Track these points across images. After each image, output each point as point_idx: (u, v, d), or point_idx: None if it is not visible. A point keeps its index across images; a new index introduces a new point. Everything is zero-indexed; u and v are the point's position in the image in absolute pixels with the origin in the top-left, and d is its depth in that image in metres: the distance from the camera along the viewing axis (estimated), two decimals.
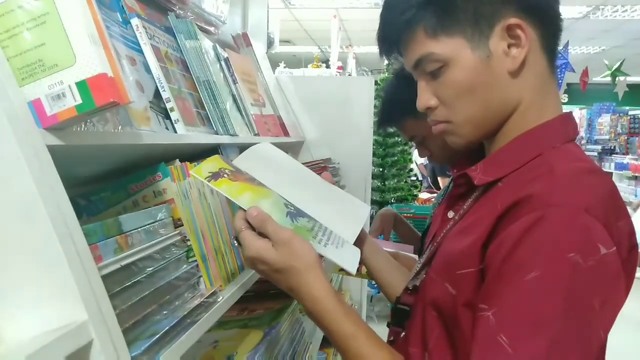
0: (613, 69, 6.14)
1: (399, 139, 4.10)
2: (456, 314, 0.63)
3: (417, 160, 5.05)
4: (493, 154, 0.70)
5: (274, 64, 1.96)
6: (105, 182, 0.83)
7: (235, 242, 0.72)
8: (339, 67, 5.16)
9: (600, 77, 6.44)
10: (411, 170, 4.34)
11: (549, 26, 0.68)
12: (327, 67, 5.32)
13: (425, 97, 0.70)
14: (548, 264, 0.55)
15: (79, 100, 0.51)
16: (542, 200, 0.58)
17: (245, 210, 0.70)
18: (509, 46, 0.65)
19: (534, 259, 0.56)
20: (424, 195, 3.97)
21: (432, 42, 0.66)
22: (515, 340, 0.54)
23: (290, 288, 0.69)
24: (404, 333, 0.75)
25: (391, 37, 0.72)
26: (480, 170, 0.69)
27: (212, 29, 1.35)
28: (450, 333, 0.65)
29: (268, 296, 1.38)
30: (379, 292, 3.46)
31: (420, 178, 5.25)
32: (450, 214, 0.74)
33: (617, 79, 6.25)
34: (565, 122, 0.69)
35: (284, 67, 4.72)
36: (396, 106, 1.28)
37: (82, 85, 0.51)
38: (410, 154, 4.21)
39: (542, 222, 0.56)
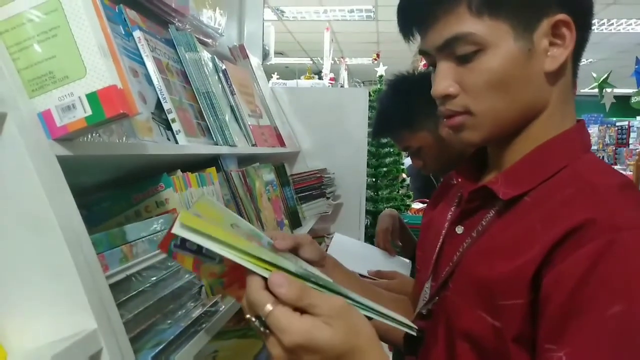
0: (600, 80, 6.22)
1: (392, 150, 4.12)
2: (505, 350, 0.56)
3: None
4: (514, 165, 0.64)
5: (267, 76, 1.98)
6: (104, 192, 0.83)
7: (258, 325, 0.50)
8: (331, 79, 5.19)
9: (588, 89, 6.52)
10: (404, 180, 4.36)
11: (585, 34, 0.63)
12: (320, 78, 5.35)
13: (445, 83, 0.62)
14: (633, 294, 0.49)
15: (89, 112, 0.52)
16: (607, 224, 0.51)
17: (262, 278, 0.50)
18: (550, 45, 0.60)
19: (615, 290, 0.49)
20: (416, 205, 3.98)
21: (475, 22, 0.59)
22: None
23: None
24: None
25: (423, 6, 0.62)
26: (502, 183, 0.62)
27: (209, 41, 1.37)
28: None
29: None
30: None
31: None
32: (459, 230, 0.67)
33: (604, 90, 6.34)
34: (582, 131, 0.65)
35: (277, 79, 4.75)
36: (392, 117, 1.29)
37: (92, 97, 0.52)
38: (402, 164, 4.22)
39: (614, 247, 0.50)
